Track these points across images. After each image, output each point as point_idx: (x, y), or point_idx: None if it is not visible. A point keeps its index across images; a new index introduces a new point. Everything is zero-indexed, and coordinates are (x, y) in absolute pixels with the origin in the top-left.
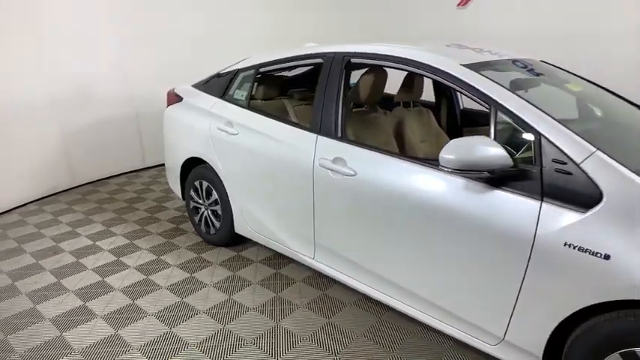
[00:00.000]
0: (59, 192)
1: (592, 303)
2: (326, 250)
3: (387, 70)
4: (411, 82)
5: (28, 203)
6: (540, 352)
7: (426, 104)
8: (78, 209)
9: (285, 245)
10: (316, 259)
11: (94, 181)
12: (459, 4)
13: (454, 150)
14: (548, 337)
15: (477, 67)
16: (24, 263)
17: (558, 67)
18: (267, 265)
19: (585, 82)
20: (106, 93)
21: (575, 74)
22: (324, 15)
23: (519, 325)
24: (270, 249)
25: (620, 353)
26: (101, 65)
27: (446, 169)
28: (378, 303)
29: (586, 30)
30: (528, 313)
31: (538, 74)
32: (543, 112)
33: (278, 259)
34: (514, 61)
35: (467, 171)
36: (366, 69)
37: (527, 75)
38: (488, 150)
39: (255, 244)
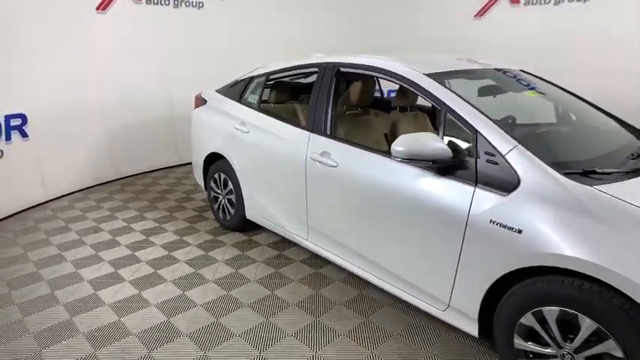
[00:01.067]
0: (103, 183)
1: (510, 270)
2: (317, 232)
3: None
4: (406, 89)
5: (76, 192)
6: (475, 315)
7: (424, 109)
8: (117, 197)
9: (284, 228)
10: (309, 240)
11: (133, 175)
12: (476, 15)
13: (403, 143)
14: (480, 301)
15: (437, 76)
16: (70, 239)
17: (536, 76)
18: (272, 247)
19: (560, 90)
20: (147, 96)
21: (552, 83)
22: (345, 28)
23: (460, 292)
24: (277, 235)
25: (532, 312)
26: (144, 72)
27: (397, 159)
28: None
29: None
30: (466, 282)
31: (520, 82)
32: (482, 113)
33: (283, 244)
34: (497, 70)
35: (414, 160)
36: (357, 77)
37: (497, 82)
38: (431, 144)
39: (265, 230)
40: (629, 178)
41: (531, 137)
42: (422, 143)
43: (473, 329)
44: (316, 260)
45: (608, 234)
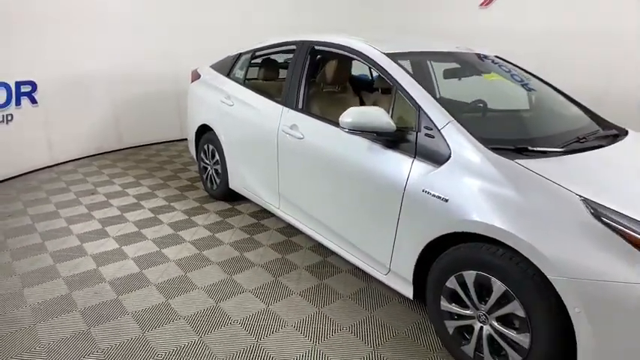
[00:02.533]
0: (107, 152)
1: (437, 235)
2: (286, 201)
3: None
4: None
5: (81, 158)
6: (410, 279)
7: None
8: (118, 165)
9: (260, 197)
10: (280, 209)
11: (136, 146)
12: (481, 4)
13: (350, 114)
14: (414, 265)
15: (395, 56)
16: (68, 198)
17: (511, 63)
18: (252, 216)
19: (531, 77)
20: (154, 72)
21: (525, 70)
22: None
23: (398, 257)
24: (259, 205)
25: (455, 276)
26: (153, 48)
27: (345, 130)
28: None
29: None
30: (402, 247)
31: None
32: (426, 91)
33: (263, 214)
34: (468, 54)
35: (359, 131)
36: (329, 55)
37: (461, 65)
38: (376, 117)
39: (249, 201)
40: (561, 156)
41: (469, 115)
42: (368, 116)
43: (408, 292)
44: (291, 229)
45: (521, 204)
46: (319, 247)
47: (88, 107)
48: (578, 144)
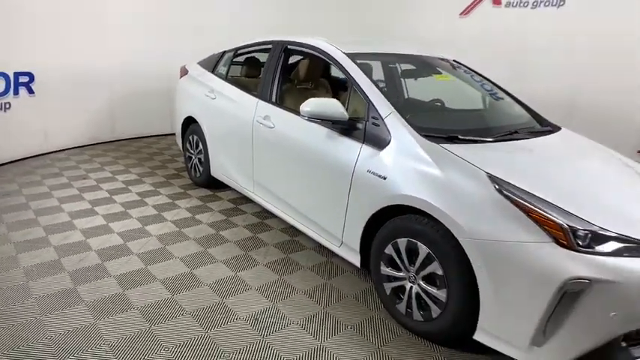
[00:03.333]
0: (100, 142)
1: (377, 209)
2: (259, 185)
3: None
4: None
5: (75, 147)
6: (358, 249)
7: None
8: (110, 155)
9: (238, 183)
10: (254, 193)
11: (129, 138)
12: (461, 14)
13: (309, 104)
14: (360, 236)
15: (354, 56)
16: (61, 182)
17: (466, 67)
18: (231, 202)
19: (483, 79)
20: (149, 69)
21: (479, 74)
22: (334, 14)
23: (348, 230)
24: (239, 193)
25: (391, 244)
26: (150, 46)
27: (304, 118)
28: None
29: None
30: (351, 221)
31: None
32: (376, 86)
33: (241, 200)
34: (426, 57)
35: (317, 119)
36: (300, 54)
37: (416, 66)
38: (332, 107)
39: (230, 188)
40: (487, 144)
41: (410, 109)
42: (324, 106)
43: (357, 260)
44: (265, 213)
45: (442, 181)
46: (289, 229)
47: (83, 99)
48: (509, 136)
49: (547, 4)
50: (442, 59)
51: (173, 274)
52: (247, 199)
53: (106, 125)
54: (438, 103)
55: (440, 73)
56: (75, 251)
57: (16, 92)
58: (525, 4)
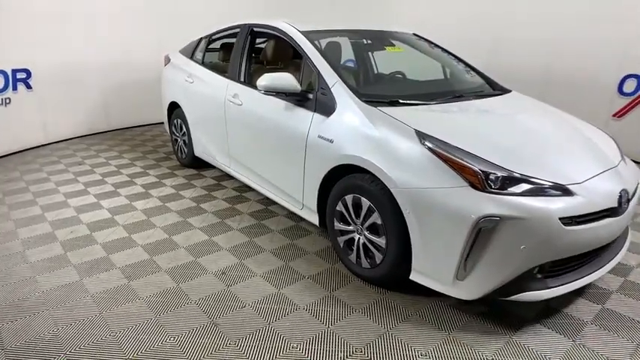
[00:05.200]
0: (97, 132)
1: (328, 169)
2: (234, 160)
3: None
4: None
5: (73, 138)
6: (315, 209)
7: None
8: (106, 143)
9: (216, 160)
10: (231, 168)
11: (123, 128)
12: None
13: (265, 79)
14: (316, 197)
15: (309, 34)
16: (58, 168)
17: (427, 40)
18: (214, 179)
19: (441, 51)
20: (141, 59)
21: (438, 45)
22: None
23: (307, 192)
24: (222, 171)
25: (341, 201)
26: (140, 37)
27: (261, 92)
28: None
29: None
30: (309, 184)
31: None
32: (324, 59)
33: (223, 177)
34: (383, 32)
35: (272, 93)
36: (265, 35)
37: (372, 41)
38: (285, 80)
39: (214, 167)
40: (426, 106)
41: (355, 78)
42: (279, 80)
43: (315, 220)
44: (245, 187)
45: (378, 140)
46: (264, 200)
47: (79, 92)
48: (454, 98)
49: None
50: (402, 33)
51: (154, 240)
52: (230, 176)
53: (101, 116)
54: (399, 75)
55: (393, 45)
56: (67, 225)
57: (14, 88)
58: None
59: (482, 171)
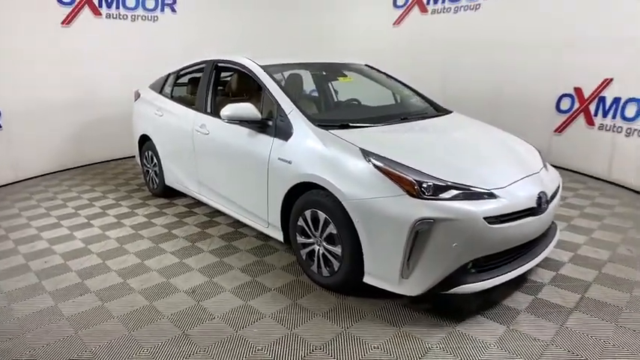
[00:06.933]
0: (70, 168)
1: (288, 188)
2: (204, 186)
3: None
4: None
5: (44, 174)
6: (279, 226)
7: (313, 98)
8: (78, 178)
9: (187, 187)
10: (201, 194)
11: (96, 163)
12: (394, 24)
13: (228, 109)
14: (280, 214)
15: (267, 67)
16: (31, 204)
17: (379, 70)
18: (185, 207)
19: (390, 80)
20: (111, 96)
21: (387, 74)
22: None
23: (271, 211)
24: (194, 199)
25: (301, 216)
26: (108, 75)
27: (224, 120)
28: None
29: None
30: (272, 203)
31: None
32: (281, 89)
33: (195, 204)
34: (336, 64)
35: (235, 121)
36: (229, 70)
37: (326, 72)
38: (246, 109)
39: (186, 196)
40: (373, 128)
41: (309, 105)
42: (240, 109)
43: (280, 236)
44: (215, 213)
45: (329, 159)
46: (235, 222)
47: (50, 129)
48: (399, 120)
49: (466, 8)
50: (355, 64)
51: (127, 265)
52: (201, 203)
53: (72, 151)
54: (355, 102)
55: (345, 75)
56: (41, 256)
57: None
58: (448, 10)
59: (417, 180)
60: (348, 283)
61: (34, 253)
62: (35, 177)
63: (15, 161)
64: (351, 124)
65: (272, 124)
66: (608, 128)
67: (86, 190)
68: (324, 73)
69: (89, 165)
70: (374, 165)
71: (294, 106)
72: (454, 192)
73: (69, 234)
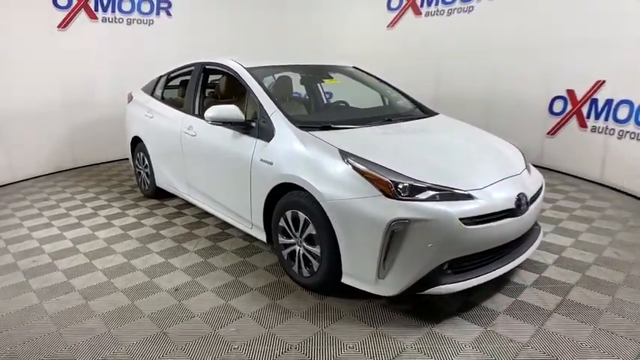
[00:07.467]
0: (64, 170)
1: (270, 188)
2: (192, 187)
3: None
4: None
5: (39, 176)
6: (262, 226)
7: (303, 100)
8: (72, 179)
9: (177, 189)
10: (190, 195)
11: (91, 165)
12: (388, 26)
13: (211, 110)
14: (262, 215)
15: (252, 69)
16: (23, 204)
17: (366, 72)
18: (175, 208)
19: (378, 82)
20: (106, 99)
21: (375, 77)
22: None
23: (254, 212)
24: (184, 200)
25: (282, 217)
26: (103, 77)
27: (208, 122)
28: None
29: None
30: (255, 204)
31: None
32: (265, 91)
33: (185, 206)
34: (324, 66)
35: (218, 122)
36: (217, 72)
37: (312, 74)
38: (230, 111)
39: (175, 196)
40: (354, 129)
41: (291, 107)
42: (224, 111)
43: (263, 237)
44: (203, 214)
45: (309, 160)
46: (222, 224)
47: (45, 131)
48: (383, 122)
49: (459, 11)
50: (343, 67)
51: (113, 265)
52: (190, 204)
53: (67, 153)
54: (342, 104)
55: (331, 78)
56: (29, 255)
57: None
58: (441, 12)
59: (393, 181)
60: (327, 284)
61: (24, 252)
62: (30, 178)
63: (10, 163)
64: (332, 126)
65: (255, 126)
66: (600, 130)
67: (79, 192)
68: (312, 75)
69: (84, 167)
70: (352, 166)
71: (276, 108)
72: (431, 193)
73: (59, 234)
